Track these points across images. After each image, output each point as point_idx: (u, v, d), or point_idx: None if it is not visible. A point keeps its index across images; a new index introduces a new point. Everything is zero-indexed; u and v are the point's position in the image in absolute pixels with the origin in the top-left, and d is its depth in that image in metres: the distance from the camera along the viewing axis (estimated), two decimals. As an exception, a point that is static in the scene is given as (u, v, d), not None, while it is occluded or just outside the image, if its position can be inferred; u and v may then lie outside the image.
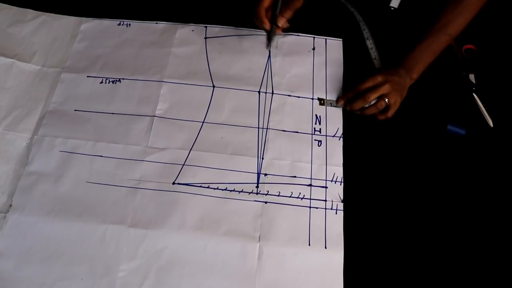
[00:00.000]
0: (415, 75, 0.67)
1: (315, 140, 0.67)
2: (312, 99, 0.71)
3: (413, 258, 0.60)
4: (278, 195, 0.63)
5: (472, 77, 0.73)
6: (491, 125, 0.70)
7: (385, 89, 0.65)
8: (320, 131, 0.68)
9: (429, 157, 0.67)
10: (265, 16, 0.69)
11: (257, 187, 0.64)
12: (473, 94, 0.72)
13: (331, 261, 0.59)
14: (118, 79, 0.73)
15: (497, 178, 0.66)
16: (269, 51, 0.75)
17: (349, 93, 0.69)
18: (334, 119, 0.69)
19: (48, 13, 0.79)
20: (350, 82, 0.72)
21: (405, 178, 0.65)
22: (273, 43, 0.75)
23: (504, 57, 0.76)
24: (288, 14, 0.69)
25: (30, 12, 0.79)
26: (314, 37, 0.77)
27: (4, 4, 0.79)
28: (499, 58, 0.76)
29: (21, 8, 0.79)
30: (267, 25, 0.69)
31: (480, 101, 0.71)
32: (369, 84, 0.67)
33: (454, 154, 0.68)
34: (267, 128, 0.68)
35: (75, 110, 0.70)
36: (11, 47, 0.75)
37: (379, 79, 0.66)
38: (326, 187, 0.64)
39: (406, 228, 0.62)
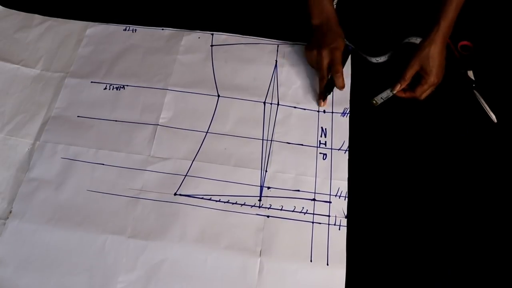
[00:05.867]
0: (451, 31, 0.67)
1: (320, 153, 0.66)
2: (318, 111, 0.70)
3: (419, 278, 0.59)
4: (281, 209, 0.62)
5: (470, 73, 0.72)
6: (495, 120, 0.69)
7: (437, 84, 0.68)
8: (325, 144, 0.67)
9: (436, 169, 0.66)
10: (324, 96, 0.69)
11: (259, 200, 0.63)
12: (474, 91, 0.71)
13: (332, 278, 0.58)
14: (122, 86, 0.72)
15: (505, 174, 0.65)
16: (276, 61, 0.74)
17: (403, 86, 0.69)
18: (340, 132, 0.68)
19: (55, 18, 0.79)
20: (358, 94, 0.71)
21: (413, 195, 0.64)
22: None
23: (501, 51, 0.75)
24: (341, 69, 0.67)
25: (37, 17, 0.79)
26: (321, 48, 0.76)
27: (12, 10, 0.80)
28: (496, 53, 0.75)
29: (29, 14, 0.79)
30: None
31: (481, 97, 0.70)
32: (426, 89, 0.67)
33: (461, 158, 0.66)
34: (271, 140, 0.67)
35: (78, 116, 0.69)
36: (17, 52, 0.75)
37: (434, 80, 0.66)
38: (330, 202, 0.63)
39: (413, 247, 0.60)
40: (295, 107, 0.70)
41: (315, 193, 0.63)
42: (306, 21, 0.78)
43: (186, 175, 0.64)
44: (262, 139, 0.67)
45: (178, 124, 0.68)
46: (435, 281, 0.59)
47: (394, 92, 0.69)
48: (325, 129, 0.68)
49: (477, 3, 0.77)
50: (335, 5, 0.79)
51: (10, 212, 0.62)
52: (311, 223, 0.61)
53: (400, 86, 0.69)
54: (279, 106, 0.70)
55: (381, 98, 0.70)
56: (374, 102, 0.70)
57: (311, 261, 0.59)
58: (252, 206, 0.62)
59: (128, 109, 0.70)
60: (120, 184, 0.64)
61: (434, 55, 0.65)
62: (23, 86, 0.72)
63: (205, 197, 0.63)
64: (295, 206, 0.62)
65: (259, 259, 0.59)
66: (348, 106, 0.70)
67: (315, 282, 0.57)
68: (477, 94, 0.71)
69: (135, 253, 0.59)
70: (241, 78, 0.73)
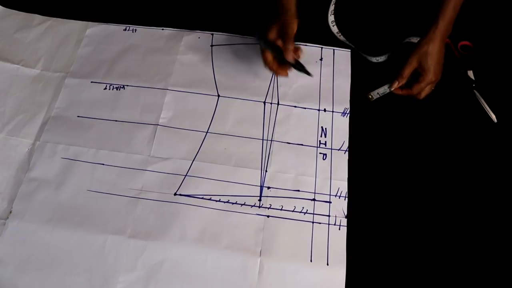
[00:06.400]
0: (450, 31, 0.67)
1: (320, 153, 0.66)
2: (319, 110, 0.70)
3: (419, 278, 0.59)
4: (281, 209, 0.62)
5: (470, 73, 0.72)
6: (495, 120, 0.69)
7: (435, 82, 0.67)
8: (325, 144, 0.67)
9: (436, 169, 0.66)
10: (278, 67, 0.63)
11: (259, 200, 0.63)
12: (474, 91, 0.71)
13: (333, 278, 0.58)
14: (122, 86, 0.72)
15: (505, 174, 0.65)
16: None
17: (401, 83, 0.69)
18: (340, 131, 0.68)
19: (55, 18, 0.79)
20: (358, 94, 0.71)
21: (413, 195, 0.64)
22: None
23: (501, 52, 0.75)
24: (291, 44, 0.62)
25: (37, 17, 0.79)
26: (321, 47, 0.76)
27: (12, 10, 0.80)
28: (496, 53, 0.75)
29: (29, 14, 0.79)
30: (285, 73, 0.64)
31: (481, 97, 0.70)
32: (425, 88, 0.67)
33: (461, 158, 0.66)
34: (271, 140, 0.67)
35: (78, 116, 0.69)
36: (17, 52, 0.75)
37: (432, 78, 0.66)
38: (330, 202, 0.63)
39: (413, 247, 0.61)
40: (295, 106, 0.70)
41: (315, 193, 0.63)
42: (305, 21, 0.79)
43: (186, 175, 0.64)
44: (262, 139, 0.67)
45: (178, 124, 0.68)
46: (435, 281, 0.59)
47: (392, 89, 0.69)
48: (325, 128, 0.68)
49: (477, 3, 0.77)
50: (333, 5, 0.79)
51: (10, 212, 0.62)
52: (311, 223, 0.61)
53: (398, 84, 0.69)
54: (279, 105, 0.70)
55: (378, 93, 0.70)
56: (370, 97, 0.70)
57: (311, 261, 0.59)
58: (252, 206, 0.62)
59: (128, 109, 0.70)
60: (120, 184, 0.64)
61: (432, 52, 0.65)
62: (23, 86, 0.72)
63: (205, 197, 0.63)
64: (295, 206, 0.62)
65: (259, 259, 0.59)
66: (348, 106, 0.70)
67: (315, 282, 0.57)
68: (477, 94, 0.71)
69: (135, 253, 0.59)
70: (241, 78, 0.73)
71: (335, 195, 0.63)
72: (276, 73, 0.65)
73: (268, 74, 0.73)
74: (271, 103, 0.70)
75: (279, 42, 0.62)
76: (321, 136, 0.68)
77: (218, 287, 0.57)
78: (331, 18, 0.78)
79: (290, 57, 0.62)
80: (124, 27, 0.78)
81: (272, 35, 0.62)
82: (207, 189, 0.63)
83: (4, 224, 0.61)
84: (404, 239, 0.61)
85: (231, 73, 0.73)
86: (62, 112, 0.70)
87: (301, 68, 0.63)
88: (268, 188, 0.63)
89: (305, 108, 0.70)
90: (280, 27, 0.62)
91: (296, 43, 0.75)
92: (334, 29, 0.77)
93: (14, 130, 0.68)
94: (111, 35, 0.77)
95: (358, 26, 0.78)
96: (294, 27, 0.62)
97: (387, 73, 0.71)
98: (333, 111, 0.70)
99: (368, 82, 0.72)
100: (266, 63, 0.64)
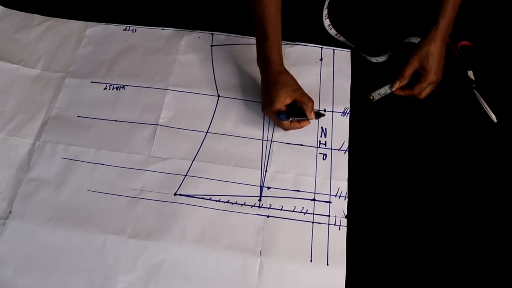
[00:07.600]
0: (450, 31, 0.67)
1: (320, 153, 0.66)
2: (318, 110, 0.70)
3: (419, 277, 0.59)
4: (281, 209, 0.62)
5: (470, 73, 0.72)
6: (495, 120, 0.69)
7: (436, 82, 0.67)
8: (325, 144, 0.67)
9: (437, 169, 0.66)
10: (299, 124, 0.64)
11: (259, 200, 0.63)
12: (474, 91, 0.71)
13: (333, 278, 0.58)
14: (122, 86, 0.72)
15: (505, 174, 0.65)
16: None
17: (402, 83, 0.69)
18: (340, 131, 0.68)
19: (55, 18, 0.79)
20: (358, 94, 0.71)
21: (413, 195, 0.64)
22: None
23: (501, 51, 0.76)
24: (311, 106, 0.64)
25: (37, 17, 0.79)
26: (321, 47, 0.76)
27: (12, 10, 0.80)
28: (496, 53, 0.75)
29: (29, 14, 0.80)
30: (308, 122, 0.65)
31: (481, 97, 0.70)
32: (426, 88, 0.67)
33: (461, 158, 0.66)
34: (271, 141, 0.67)
35: (78, 116, 0.69)
36: (17, 52, 0.75)
37: (433, 78, 0.66)
38: (330, 202, 0.63)
39: (413, 247, 0.60)
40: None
41: (315, 193, 0.63)
42: (305, 21, 0.79)
43: (186, 175, 0.64)
44: (262, 139, 0.67)
45: (178, 124, 0.69)
46: (435, 281, 0.59)
47: (393, 89, 0.69)
48: (325, 129, 0.68)
49: (477, 3, 0.77)
50: (326, 9, 0.79)
51: (10, 212, 0.62)
52: (311, 223, 0.61)
53: (399, 84, 0.69)
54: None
55: (379, 94, 0.70)
56: (372, 97, 0.70)
57: (311, 261, 0.59)
58: (252, 206, 0.62)
59: (128, 109, 0.70)
60: (120, 184, 0.64)
61: (433, 53, 0.65)
62: (23, 86, 0.72)
63: (205, 197, 0.63)
64: (295, 206, 0.62)
65: (259, 259, 0.59)
66: (348, 105, 0.70)
67: (315, 282, 0.57)
68: (477, 94, 0.71)
69: (135, 253, 0.59)
70: (241, 78, 0.73)
71: (335, 195, 0.63)
72: (299, 128, 0.66)
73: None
74: (271, 103, 0.70)
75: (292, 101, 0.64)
76: (321, 136, 0.68)
77: (218, 287, 0.57)
78: (326, 22, 0.78)
79: (313, 117, 0.64)
80: (124, 27, 0.78)
81: (288, 102, 0.63)
82: (207, 189, 0.63)
83: (4, 224, 0.61)
84: (404, 239, 0.61)
85: (231, 74, 0.73)
86: (62, 112, 0.70)
87: (318, 115, 0.66)
88: (268, 188, 0.63)
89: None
90: (289, 93, 0.63)
91: (297, 43, 0.76)
92: (332, 32, 0.77)
93: (14, 130, 0.68)
94: (111, 35, 0.78)
95: (358, 27, 0.78)
96: (304, 92, 0.64)
97: (387, 73, 0.71)
98: (333, 111, 0.70)
99: (368, 82, 0.72)
100: (287, 128, 0.65)
